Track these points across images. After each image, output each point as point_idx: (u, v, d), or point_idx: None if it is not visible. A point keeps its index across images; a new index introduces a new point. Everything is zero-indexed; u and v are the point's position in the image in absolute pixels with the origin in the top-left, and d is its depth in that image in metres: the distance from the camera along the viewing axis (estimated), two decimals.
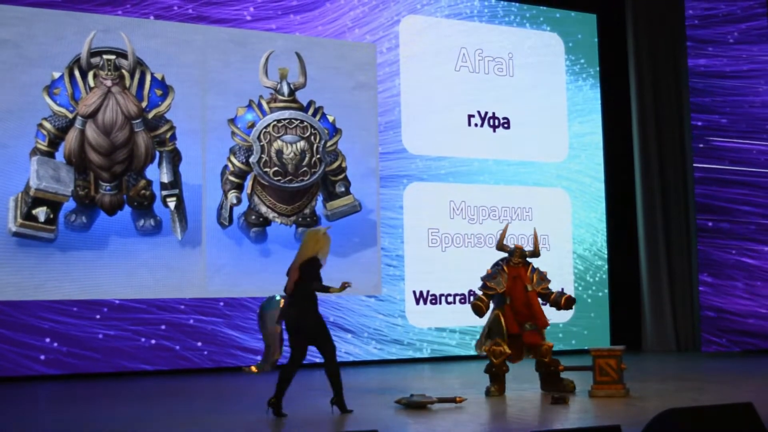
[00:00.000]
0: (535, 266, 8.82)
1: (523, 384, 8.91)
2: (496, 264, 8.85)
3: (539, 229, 13.34)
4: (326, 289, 7.22)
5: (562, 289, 8.98)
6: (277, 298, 7.36)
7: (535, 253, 8.88)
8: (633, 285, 13.99)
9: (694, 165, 13.25)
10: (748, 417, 5.09)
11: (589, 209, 13.95)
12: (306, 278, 7.21)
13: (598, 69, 14.24)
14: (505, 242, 8.93)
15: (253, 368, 7.59)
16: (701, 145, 13.27)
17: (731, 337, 12.93)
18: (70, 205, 10.64)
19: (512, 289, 8.61)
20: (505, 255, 8.85)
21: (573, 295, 8.80)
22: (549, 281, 8.81)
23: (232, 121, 11.46)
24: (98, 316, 10.70)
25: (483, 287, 8.70)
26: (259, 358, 11.38)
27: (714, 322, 12.95)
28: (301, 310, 7.21)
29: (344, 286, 7.28)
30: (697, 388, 9.06)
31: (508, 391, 8.51)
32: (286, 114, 11.64)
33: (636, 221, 13.95)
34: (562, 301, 8.72)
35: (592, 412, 7.50)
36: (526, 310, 8.60)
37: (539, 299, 8.71)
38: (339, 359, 11.86)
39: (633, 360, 9.46)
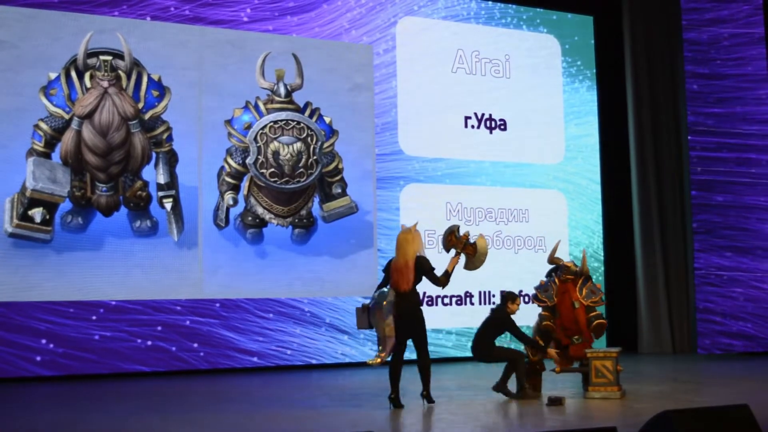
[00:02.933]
0: (588, 280, 8.81)
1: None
2: (549, 275, 8.90)
3: (535, 231, 13.43)
4: (447, 275, 7.90)
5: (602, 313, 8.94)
6: (385, 292, 7.83)
7: (584, 272, 8.78)
8: (629, 287, 14.01)
9: (691, 167, 13.27)
10: (744, 419, 5.10)
11: (586, 211, 13.96)
12: (423, 277, 7.82)
13: (594, 71, 14.26)
14: (556, 256, 8.96)
15: (374, 360, 7.94)
16: (698, 148, 13.29)
17: (727, 339, 12.94)
18: (66, 206, 10.63)
19: (560, 304, 8.65)
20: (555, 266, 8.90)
21: (604, 321, 8.78)
22: (601, 293, 8.78)
23: (229, 122, 11.46)
24: (94, 317, 10.68)
25: (535, 298, 8.80)
26: (255, 359, 11.39)
27: (710, 325, 12.96)
28: (412, 305, 7.78)
29: (455, 262, 7.99)
30: (693, 389, 9.07)
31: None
32: (283, 115, 11.64)
33: (632, 223, 13.96)
34: (591, 326, 8.66)
35: (587, 413, 7.50)
36: (573, 326, 8.63)
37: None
38: (335, 360, 11.91)
39: (629, 361, 9.47)
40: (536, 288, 8.84)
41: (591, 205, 14.02)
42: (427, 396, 7.93)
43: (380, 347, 7.82)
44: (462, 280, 12.48)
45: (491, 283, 12.88)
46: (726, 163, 13.27)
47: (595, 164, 14.13)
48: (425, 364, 7.87)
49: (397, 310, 7.72)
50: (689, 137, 13.35)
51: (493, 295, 12.92)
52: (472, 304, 12.80)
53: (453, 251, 8.15)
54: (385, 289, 7.85)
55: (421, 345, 7.84)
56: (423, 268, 7.82)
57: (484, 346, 8.42)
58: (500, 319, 8.36)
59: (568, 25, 14.15)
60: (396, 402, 7.75)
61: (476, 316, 12.67)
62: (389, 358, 7.86)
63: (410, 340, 7.88)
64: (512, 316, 8.40)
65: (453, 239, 8.15)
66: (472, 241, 8.22)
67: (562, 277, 8.71)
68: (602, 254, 13.95)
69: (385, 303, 7.78)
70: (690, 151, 13.33)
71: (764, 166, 13.44)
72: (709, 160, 13.28)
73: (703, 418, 5.02)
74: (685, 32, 13.49)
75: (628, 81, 14.16)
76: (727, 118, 13.42)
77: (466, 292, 12.76)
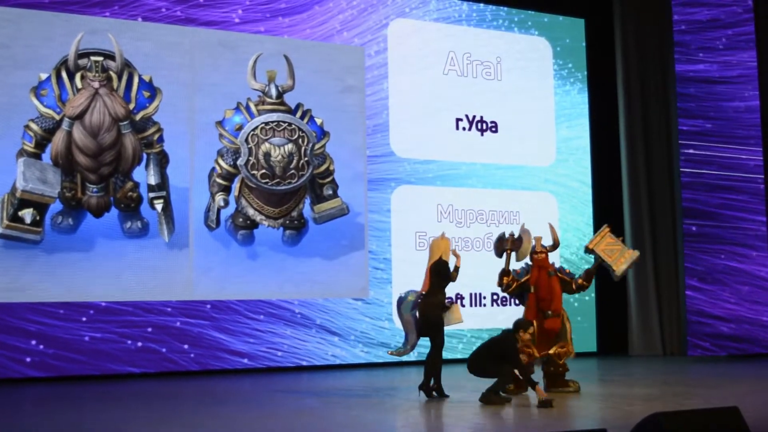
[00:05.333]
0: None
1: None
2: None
3: None
4: (455, 271, 8.57)
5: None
6: (412, 292, 8.66)
7: (556, 243, 9.30)
8: (619, 289, 14.03)
9: (681, 170, 13.31)
10: (734, 421, 5.12)
11: (577, 213, 13.99)
12: (436, 279, 8.49)
13: (585, 73, 14.29)
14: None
15: (394, 352, 8.93)
16: (688, 150, 13.33)
17: (717, 341, 12.98)
18: (56, 206, 10.60)
19: (536, 278, 8.99)
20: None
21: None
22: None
23: (220, 123, 11.45)
24: (84, 319, 10.65)
25: (507, 281, 9.11)
26: (246, 360, 11.39)
27: (700, 327, 13.00)
28: (428, 305, 8.45)
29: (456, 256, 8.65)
30: (683, 392, 9.10)
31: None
32: (274, 117, 11.63)
33: (623, 225, 13.99)
34: (574, 285, 9.18)
35: (578, 415, 7.52)
36: (548, 296, 8.94)
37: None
38: (325, 362, 11.91)
39: (619, 364, 9.49)
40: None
41: (582, 207, 14.05)
42: (422, 387, 8.46)
43: (405, 341, 8.76)
44: (453, 282, 12.51)
45: (481, 285, 12.89)
46: (716, 165, 13.32)
47: (586, 166, 14.16)
48: (428, 360, 8.48)
49: (418, 310, 8.52)
50: (680, 139, 13.39)
51: (484, 297, 12.94)
52: (462, 306, 12.79)
53: (505, 254, 9.03)
54: (412, 291, 8.69)
55: (435, 343, 8.46)
56: (438, 271, 8.52)
57: (480, 364, 8.32)
58: (507, 348, 8.22)
59: (560, 28, 14.18)
60: (436, 391, 8.43)
61: (466, 318, 12.72)
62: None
63: (428, 336, 8.56)
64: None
65: (503, 245, 9.03)
66: (516, 236, 9.07)
67: (536, 254, 9.06)
68: (592, 256, 13.94)
69: (405, 301, 8.65)
70: (680, 153, 13.37)
71: (754, 168, 13.51)
72: (700, 162, 13.33)
73: (692, 421, 5.04)
74: (676, 35, 13.54)
75: (619, 83, 14.20)
76: (718, 120, 13.47)
77: (457, 294, 12.76)
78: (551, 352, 8.86)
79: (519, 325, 8.34)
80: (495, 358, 8.22)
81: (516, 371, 8.21)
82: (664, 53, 14.12)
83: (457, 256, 8.63)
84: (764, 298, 13.38)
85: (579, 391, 8.80)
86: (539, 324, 8.86)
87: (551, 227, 9.57)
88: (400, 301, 8.72)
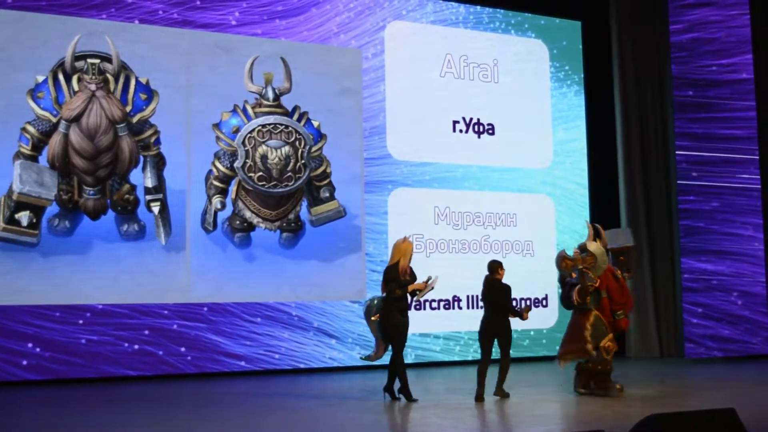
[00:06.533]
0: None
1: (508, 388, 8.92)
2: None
3: (523, 236, 13.46)
4: (405, 288, 8.42)
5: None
6: (378, 297, 8.69)
7: (605, 244, 9.14)
8: None
9: (678, 172, 13.33)
10: (730, 422, 5.14)
11: (574, 215, 14.00)
12: (386, 283, 8.46)
13: (582, 76, 14.31)
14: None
15: (365, 357, 9.04)
16: (685, 153, 13.35)
17: (714, 343, 13.00)
18: (53, 209, 10.59)
19: (607, 283, 8.94)
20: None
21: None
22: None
23: (217, 125, 11.45)
24: (81, 321, 10.64)
25: (580, 290, 8.84)
26: (243, 363, 11.39)
27: (697, 329, 13.01)
28: (384, 312, 8.48)
29: (426, 285, 8.58)
30: (680, 393, 9.12)
31: (488, 395, 8.52)
32: (271, 119, 11.63)
33: (620, 226, 13.98)
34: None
35: (575, 416, 7.53)
36: (621, 298, 8.98)
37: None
38: (323, 365, 11.91)
39: (617, 366, 9.49)
40: (572, 280, 8.97)
41: (579, 210, 14.06)
42: (386, 389, 8.61)
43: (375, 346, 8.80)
44: (450, 285, 12.55)
45: (479, 287, 12.88)
46: (712, 168, 13.34)
47: (583, 168, 14.17)
48: (391, 362, 8.54)
49: (379, 315, 8.56)
50: (676, 142, 13.41)
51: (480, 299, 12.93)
52: (460, 308, 12.81)
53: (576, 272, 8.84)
54: (377, 295, 8.72)
55: (394, 348, 8.52)
56: (385, 277, 8.56)
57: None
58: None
59: (556, 30, 14.20)
60: (391, 394, 8.55)
61: (464, 320, 12.77)
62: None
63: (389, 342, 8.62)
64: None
65: (568, 262, 8.85)
66: (585, 254, 8.85)
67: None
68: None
69: (370, 306, 8.65)
70: (677, 156, 13.40)
71: (750, 172, 13.53)
72: (696, 165, 13.35)
73: (689, 422, 5.05)
74: (672, 37, 13.57)
75: (616, 86, 14.22)
76: (714, 123, 13.50)
77: (454, 296, 12.77)
78: (602, 344, 8.79)
79: (493, 266, 8.82)
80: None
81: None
82: (661, 56, 14.14)
83: (414, 284, 8.57)
84: (761, 300, 13.40)
85: (623, 391, 8.81)
86: (611, 325, 8.93)
87: (594, 226, 9.48)
88: (367, 306, 8.78)
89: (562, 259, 8.94)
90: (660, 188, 14.14)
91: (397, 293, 8.38)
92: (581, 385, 8.91)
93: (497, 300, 8.58)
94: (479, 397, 8.36)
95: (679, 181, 13.30)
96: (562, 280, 9.13)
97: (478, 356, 12.91)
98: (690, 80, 13.46)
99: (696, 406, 7.60)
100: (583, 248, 9.09)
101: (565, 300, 9.02)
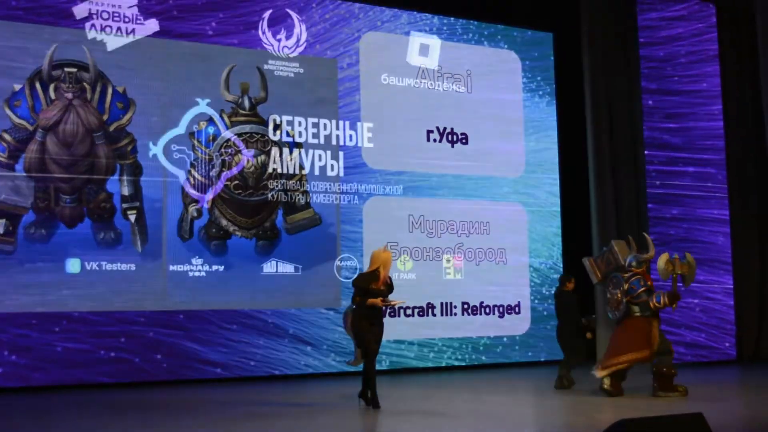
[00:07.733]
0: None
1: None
2: (619, 277, 9.49)
3: (496, 243, 13.61)
4: (364, 299, 8.33)
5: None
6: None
7: (652, 255, 9.48)
8: (588, 298, 14.19)
9: (647, 181, 13.54)
10: (698, 427, 5.24)
11: (545, 223, 14.17)
12: (356, 291, 8.45)
13: (554, 86, 14.50)
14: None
15: (349, 362, 9.01)
16: (654, 162, 13.58)
17: (681, 348, 13.19)
18: (29, 217, 10.60)
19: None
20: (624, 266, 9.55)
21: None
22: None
23: (194, 134, 11.51)
24: (57, 329, 10.65)
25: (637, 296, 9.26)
26: (219, 370, 11.43)
27: (665, 334, 13.17)
28: (353, 319, 8.52)
29: (386, 302, 8.46)
30: (648, 398, 9.26)
31: (466, 400, 8.61)
32: (247, 128, 11.72)
33: (590, 235, 14.16)
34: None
35: (545, 423, 7.63)
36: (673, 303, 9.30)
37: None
38: (298, 371, 11.94)
39: (585, 371, 9.64)
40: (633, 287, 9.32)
41: (550, 218, 14.24)
42: (372, 397, 8.49)
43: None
44: (425, 292, 12.68)
45: (452, 294, 13.06)
46: (681, 177, 13.58)
47: (555, 177, 14.35)
48: (367, 370, 8.51)
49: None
50: (645, 151, 13.63)
51: (455, 306, 13.08)
52: (434, 315, 12.94)
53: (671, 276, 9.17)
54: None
55: (365, 354, 8.48)
56: (354, 285, 8.53)
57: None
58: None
59: (529, 42, 14.39)
60: (365, 399, 8.52)
61: (437, 327, 12.90)
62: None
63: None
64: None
65: (669, 266, 9.12)
66: (683, 261, 9.23)
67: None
68: (561, 265, 14.16)
69: (347, 311, 8.70)
70: (646, 165, 13.62)
71: (717, 180, 13.80)
72: (665, 173, 13.58)
73: (658, 427, 5.15)
74: (641, 49, 13.80)
75: (587, 96, 14.39)
76: (682, 132, 13.75)
77: (428, 303, 12.90)
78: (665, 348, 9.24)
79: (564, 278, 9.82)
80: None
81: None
82: (631, 67, 14.33)
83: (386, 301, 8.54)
84: (727, 306, 13.65)
85: (686, 393, 9.22)
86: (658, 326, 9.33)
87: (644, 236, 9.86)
88: (344, 313, 8.85)
89: (666, 262, 9.22)
90: (630, 196, 14.32)
91: (356, 300, 8.39)
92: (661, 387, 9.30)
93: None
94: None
95: (648, 189, 13.51)
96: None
97: (452, 362, 13.07)
98: (658, 90, 13.69)
99: (664, 411, 7.74)
100: (648, 259, 9.44)
101: (615, 304, 9.40)
